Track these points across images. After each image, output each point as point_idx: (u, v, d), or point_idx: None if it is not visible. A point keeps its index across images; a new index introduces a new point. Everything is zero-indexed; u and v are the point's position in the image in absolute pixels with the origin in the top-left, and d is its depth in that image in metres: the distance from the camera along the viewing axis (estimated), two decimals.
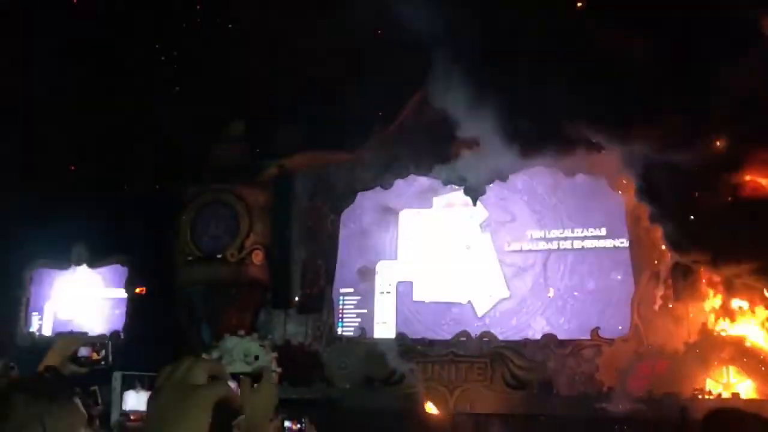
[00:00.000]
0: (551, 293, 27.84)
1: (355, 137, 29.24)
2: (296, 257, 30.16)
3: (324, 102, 26.19)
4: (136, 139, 27.74)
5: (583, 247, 28.05)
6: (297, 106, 27.17)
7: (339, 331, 29.43)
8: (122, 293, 31.54)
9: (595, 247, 27.86)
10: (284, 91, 26.48)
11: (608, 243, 27.73)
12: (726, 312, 24.37)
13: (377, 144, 30.57)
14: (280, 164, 29.84)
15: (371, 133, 30.33)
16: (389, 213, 30.22)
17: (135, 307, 30.17)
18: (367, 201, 30.59)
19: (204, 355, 25.23)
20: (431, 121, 29.14)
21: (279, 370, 19.19)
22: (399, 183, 30.42)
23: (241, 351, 27.00)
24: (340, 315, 29.82)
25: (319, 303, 29.62)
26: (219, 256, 29.26)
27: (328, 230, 30.33)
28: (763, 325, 23.27)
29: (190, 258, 29.61)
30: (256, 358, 26.05)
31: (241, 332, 26.98)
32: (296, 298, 29.72)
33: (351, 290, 29.97)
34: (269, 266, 29.62)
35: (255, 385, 1.65)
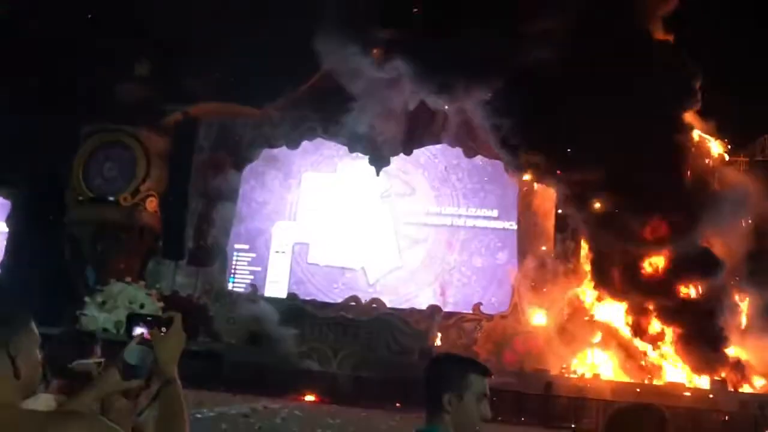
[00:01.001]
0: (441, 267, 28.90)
1: (266, 94, 28.94)
2: (192, 208, 29.65)
3: (237, 55, 25.75)
4: (34, 67, 26.22)
5: (474, 225, 29.19)
6: (209, 55, 26.59)
7: (230, 286, 29.32)
8: (3, 227, 30.14)
9: (486, 227, 29.07)
10: (197, 38, 25.81)
11: (498, 224, 28.99)
12: (597, 299, 26.12)
13: (288, 104, 30.37)
14: (184, 111, 29.13)
15: (283, 92, 30.13)
16: (292, 174, 30.23)
17: (16, 243, 28.86)
18: (271, 159, 30.40)
19: (87, 299, 24.53)
20: (343, 89, 29.32)
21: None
22: (305, 145, 30.43)
23: (126, 298, 26.47)
24: (233, 271, 29.70)
25: (211, 257, 29.35)
26: (111, 198, 28.39)
27: (228, 184, 29.93)
28: (627, 312, 25.09)
29: (81, 198, 28.54)
30: (142, 306, 25.64)
31: (128, 279, 26.47)
32: (188, 250, 29.27)
33: (246, 247, 29.87)
34: (163, 215, 29.10)
35: (164, 330, 1.81)
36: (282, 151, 30.35)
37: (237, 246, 29.77)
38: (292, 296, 28.52)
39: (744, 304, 24.30)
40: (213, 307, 27.43)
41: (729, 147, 27.74)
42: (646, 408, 2.02)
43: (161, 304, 23.81)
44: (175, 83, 27.57)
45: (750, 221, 25.25)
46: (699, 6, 24.78)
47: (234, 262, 29.69)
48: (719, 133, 27.16)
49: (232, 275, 29.57)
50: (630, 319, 24.74)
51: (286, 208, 30.11)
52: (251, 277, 29.50)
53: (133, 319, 1.92)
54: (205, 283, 28.72)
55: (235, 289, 29.17)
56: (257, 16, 25.95)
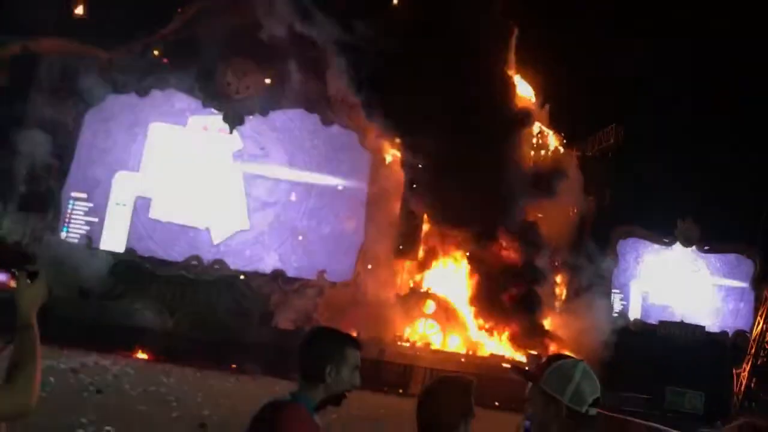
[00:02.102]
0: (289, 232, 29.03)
1: (117, 36, 27.32)
2: (26, 149, 27.51)
3: None
4: None
5: (325, 193, 29.50)
6: None
7: (63, 236, 27.65)
8: None
9: (336, 196, 29.47)
10: None
11: (350, 194, 29.50)
12: (434, 273, 27.54)
13: (139, 48, 28.84)
14: (23, 44, 26.84)
15: (135, 37, 28.58)
16: (139, 123, 28.86)
17: None
18: (117, 105, 28.76)
19: None
20: (202, 41, 28.36)
21: None
22: (156, 94, 29.11)
23: None
24: (67, 220, 28.00)
25: (44, 203, 27.49)
26: None
27: (68, 126, 28.03)
28: (460, 286, 26.72)
29: None
30: None
31: None
32: (19, 194, 27.21)
33: (84, 196, 28.22)
34: None
35: (29, 281, 1.88)
36: (130, 98, 28.87)
37: (74, 194, 28.06)
38: (130, 251, 27.48)
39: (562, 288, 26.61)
40: (41, 256, 25.80)
41: (565, 141, 30.09)
42: (455, 378, 2.38)
43: None
44: (13, 14, 25.30)
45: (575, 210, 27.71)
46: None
47: (69, 211, 27.97)
48: (557, 128, 29.38)
49: (65, 225, 27.88)
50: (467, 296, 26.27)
51: (129, 159, 28.70)
52: (87, 228, 27.97)
53: None
54: (35, 231, 26.88)
55: (68, 239, 27.56)
56: None
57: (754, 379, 21.07)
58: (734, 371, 22.06)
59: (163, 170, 28.54)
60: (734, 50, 27.10)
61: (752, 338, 22.60)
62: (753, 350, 21.76)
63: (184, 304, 24.52)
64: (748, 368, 21.48)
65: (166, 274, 26.41)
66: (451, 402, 2.24)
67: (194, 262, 27.65)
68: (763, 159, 24.27)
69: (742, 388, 21.34)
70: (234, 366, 20.80)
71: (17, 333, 1.89)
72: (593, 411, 1.67)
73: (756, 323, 22.91)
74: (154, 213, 28.46)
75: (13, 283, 1.95)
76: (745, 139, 26.24)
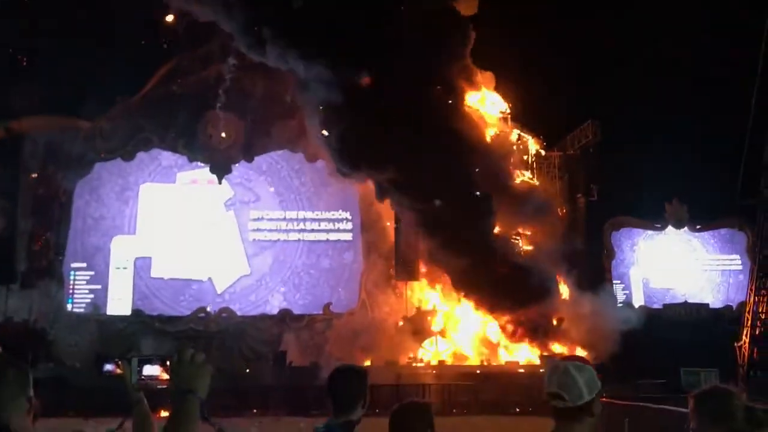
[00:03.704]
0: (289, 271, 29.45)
1: (96, 105, 27.89)
2: (22, 228, 27.94)
3: (63, 65, 24.68)
4: None
5: (320, 228, 29.95)
6: (33, 65, 25.21)
7: (69, 307, 27.96)
8: None
9: (331, 229, 29.96)
10: (20, 47, 24.41)
11: (343, 225, 29.99)
12: (436, 289, 27.93)
13: (119, 114, 29.41)
14: (7, 126, 27.38)
15: (114, 103, 29.16)
16: (129, 186, 29.36)
17: None
18: (105, 172, 29.31)
19: None
20: (179, 96, 29.00)
21: None
22: (141, 156, 29.67)
23: None
24: (71, 291, 28.34)
25: (46, 278, 27.84)
26: None
27: (60, 201, 28.51)
28: (459, 301, 27.08)
29: None
30: None
31: None
32: (20, 273, 27.58)
33: (84, 265, 28.62)
34: None
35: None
36: (116, 164, 29.40)
37: (74, 264, 28.44)
38: (137, 312, 27.80)
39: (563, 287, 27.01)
40: (52, 330, 26.13)
41: (544, 144, 30.70)
42: (416, 403, 3.06)
43: None
44: None
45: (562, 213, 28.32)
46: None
47: (71, 282, 28.32)
48: (534, 131, 30.00)
49: (70, 296, 28.20)
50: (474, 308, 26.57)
51: (124, 222, 29.16)
52: (91, 296, 28.29)
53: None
54: (41, 306, 27.19)
55: (74, 310, 27.87)
56: (81, 23, 25.10)
57: (755, 349, 21.54)
58: (736, 344, 22.53)
59: (159, 229, 28.99)
60: (703, 32, 27.91)
61: (746, 310, 23.08)
62: (749, 322, 22.24)
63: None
64: (747, 340, 21.95)
65: (175, 330, 26.70)
66: (414, 424, 2.92)
67: (201, 314, 27.99)
68: (738, 130, 24.77)
69: (745, 360, 21.79)
70: (255, 411, 21.08)
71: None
72: None
73: (748, 295, 23.42)
74: (156, 272, 28.84)
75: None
76: (718, 110, 26.81)
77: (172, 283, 28.81)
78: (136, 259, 28.86)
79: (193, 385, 2.11)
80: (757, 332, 21.98)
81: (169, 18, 28.19)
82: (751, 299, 23.20)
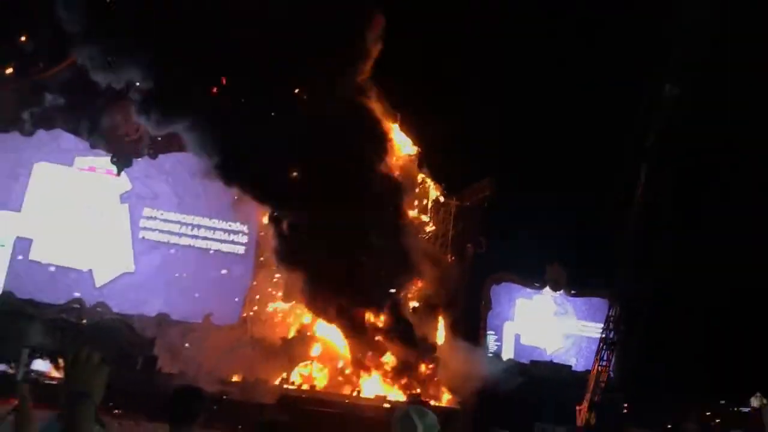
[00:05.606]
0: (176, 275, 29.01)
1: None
2: None
3: None
4: None
5: (214, 237, 29.79)
6: None
7: None
8: None
9: (225, 239, 29.84)
10: None
11: (238, 238, 29.95)
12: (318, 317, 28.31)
13: (19, 83, 28.23)
14: None
15: (13, 70, 27.93)
16: (22, 163, 28.18)
17: None
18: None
19: None
20: (91, 81, 28.25)
21: None
22: (41, 134, 28.57)
23: None
24: None
25: None
26: None
27: None
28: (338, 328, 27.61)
29: None
30: None
31: None
32: None
33: None
34: None
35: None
36: (12, 137, 28.22)
37: None
38: (7, 293, 26.58)
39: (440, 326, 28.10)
40: None
41: (444, 191, 31.96)
42: (275, 420, 3.63)
43: None
44: None
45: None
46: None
47: None
48: (436, 178, 31.20)
49: None
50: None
51: (10, 198, 27.93)
52: None
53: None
54: None
55: None
56: None
57: (592, 414, 23.40)
58: (576, 407, 24.36)
59: (46, 211, 27.96)
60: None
61: (590, 377, 25.01)
62: (592, 387, 24.13)
63: (65, 349, 23.90)
64: (587, 405, 23.82)
65: (45, 317, 25.69)
66: None
67: (76, 305, 27.08)
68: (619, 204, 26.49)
69: (582, 422, 23.61)
70: (117, 411, 20.61)
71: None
72: None
73: (593, 364, 25.39)
74: (35, 254, 27.72)
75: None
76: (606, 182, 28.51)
77: (50, 268, 27.74)
78: (17, 238, 27.65)
79: (89, 387, 2.06)
80: (596, 399, 23.84)
81: None
82: (595, 368, 25.26)
